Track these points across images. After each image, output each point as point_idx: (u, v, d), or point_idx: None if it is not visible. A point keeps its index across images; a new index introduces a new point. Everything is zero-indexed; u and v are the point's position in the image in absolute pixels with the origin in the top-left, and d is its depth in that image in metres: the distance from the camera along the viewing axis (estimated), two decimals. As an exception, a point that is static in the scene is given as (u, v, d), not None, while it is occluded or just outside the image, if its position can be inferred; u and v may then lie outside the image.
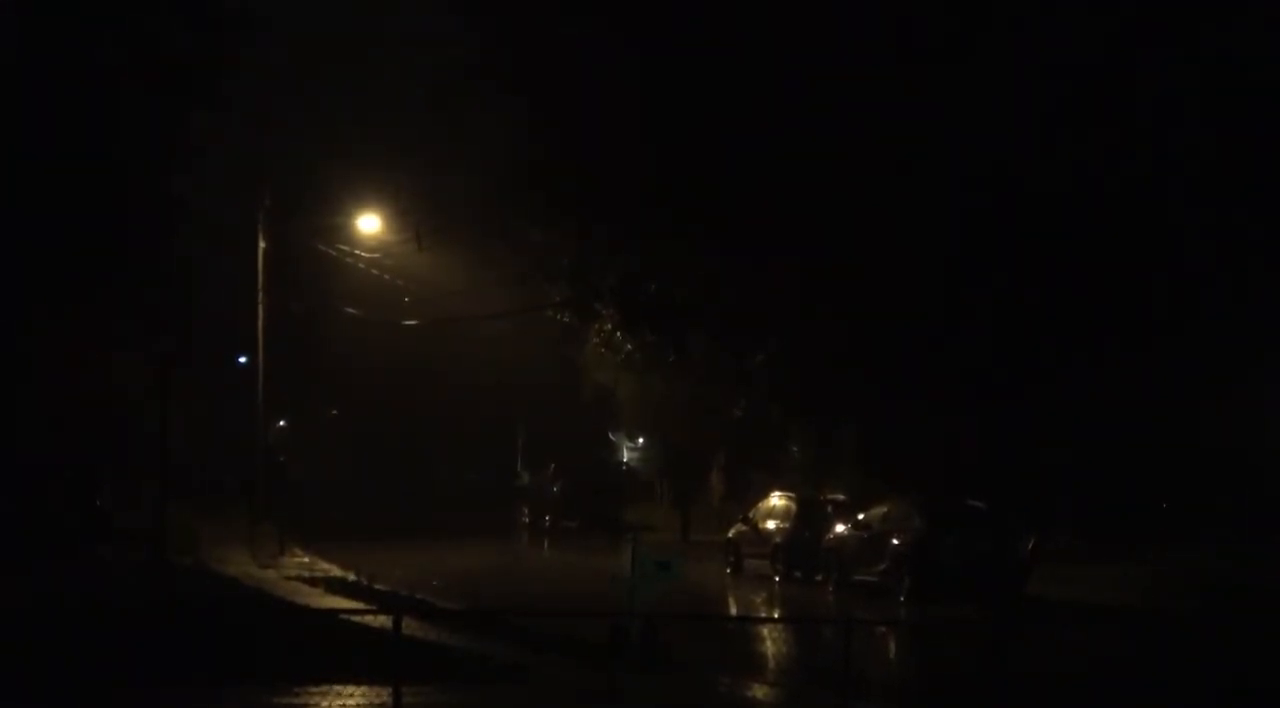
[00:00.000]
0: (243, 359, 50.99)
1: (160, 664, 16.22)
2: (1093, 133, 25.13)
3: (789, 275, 29.57)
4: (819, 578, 33.28)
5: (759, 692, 18.04)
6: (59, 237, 27.90)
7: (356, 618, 19.45)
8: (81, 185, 27.64)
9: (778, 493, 37.84)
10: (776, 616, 28.44)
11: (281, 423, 64.94)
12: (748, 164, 27.09)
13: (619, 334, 38.33)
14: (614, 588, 18.00)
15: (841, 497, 36.75)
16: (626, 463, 63.10)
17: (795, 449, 45.93)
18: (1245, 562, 32.33)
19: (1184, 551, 34.23)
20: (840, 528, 33.27)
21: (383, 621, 16.65)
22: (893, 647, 22.69)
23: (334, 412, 76.42)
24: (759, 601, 31.25)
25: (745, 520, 37.37)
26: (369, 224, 44.06)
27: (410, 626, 15.71)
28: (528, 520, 54.81)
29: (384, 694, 14.52)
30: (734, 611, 29.44)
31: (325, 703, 15.31)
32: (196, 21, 28.25)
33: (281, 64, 46.02)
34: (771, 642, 21.69)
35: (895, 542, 30.51)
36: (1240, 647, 22.45)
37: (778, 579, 34.60)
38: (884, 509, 31.94)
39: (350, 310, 48.73)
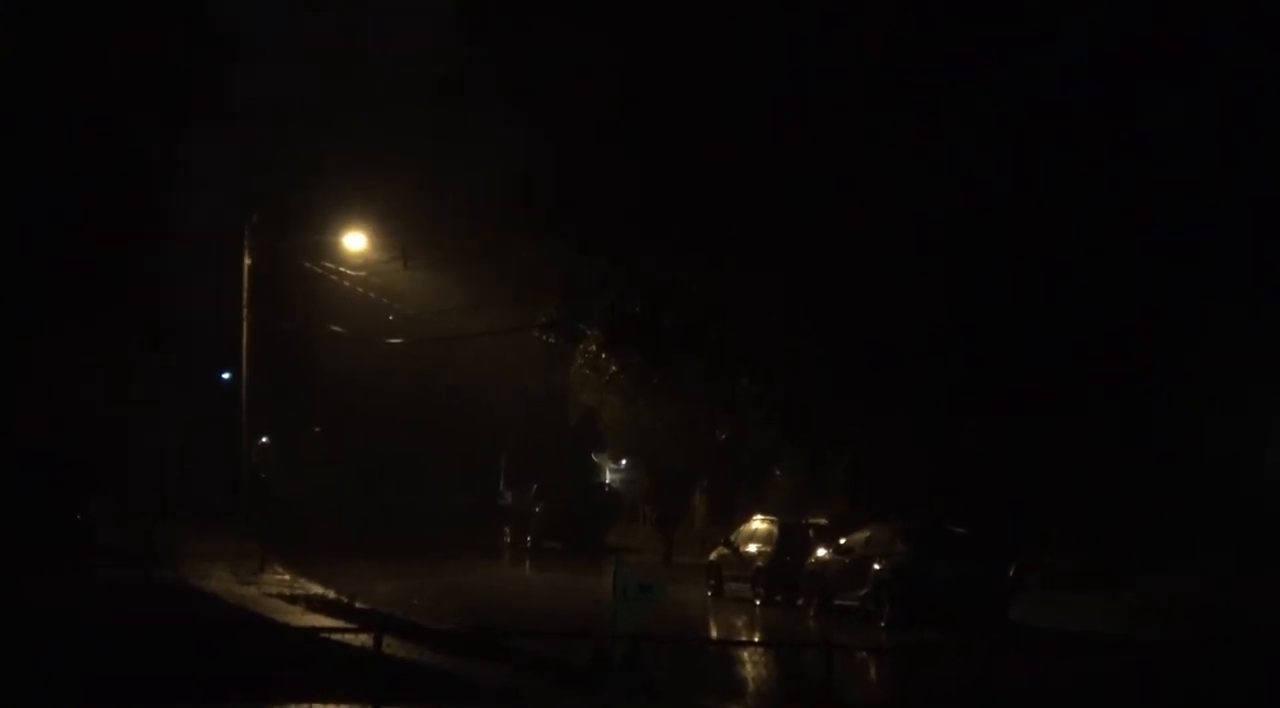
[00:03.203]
0: (226, 375, 50.92)
1: (138, 682, 16.15)
2: (1085, 152, 25.18)
3: (775, 299, 29.60)
4: (800, 602, 33.22)
5: (740, 716, 18.03)
6: (48, 256, 27.91)
7: (337, 637, 19.37)
8: (77, 199, 27.66)
9: (759, 516, 37.76)
10: (758, 640, 28.40)
11: (265, 439, 64.87)
12: (734, 186, 27.13)
13: (604, 355, 38.34)
14: (606, 613, 17.94)
15: (823, 520, 36.66)
16: (610, 485, 62.97)
17: (779, 473, 45.89)
18: (1233, 589, 32.33)
19: (1171, 578, 34.22)
20: (822, 552, 33.23)
21: (363, 639, 16.61)
22: (874, 672, 22.67)
23: (317, 429, 76.29)
24: (740, 624, 31.20)
25: (727, 544, 37.29)
26: (356, 242, 44.09)
27: (391, 645, 15.65)
28: (510, 541, 54.66)
29: (364, 714, 14.49)
30: (715, 634, 29.39)
31: (304, 722, 15.28)
32: (193, 40, 28.33)
33: (273, 82, 46.05)
34: (753, 666, 21.67)
35: (877, 567, 30.46)
36: (1224, 676, 22.46)
37: (759, 603, 34.53)
38: (866, 534, 31.89)
39: (335, 329, 48.72)
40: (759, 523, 36.96)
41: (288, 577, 34.48)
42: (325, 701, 15.84)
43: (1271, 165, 25.37)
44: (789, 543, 35.04)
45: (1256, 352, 29.42)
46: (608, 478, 64.45)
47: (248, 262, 42.52)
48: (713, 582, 37.07)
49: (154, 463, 32.04)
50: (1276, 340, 28.87)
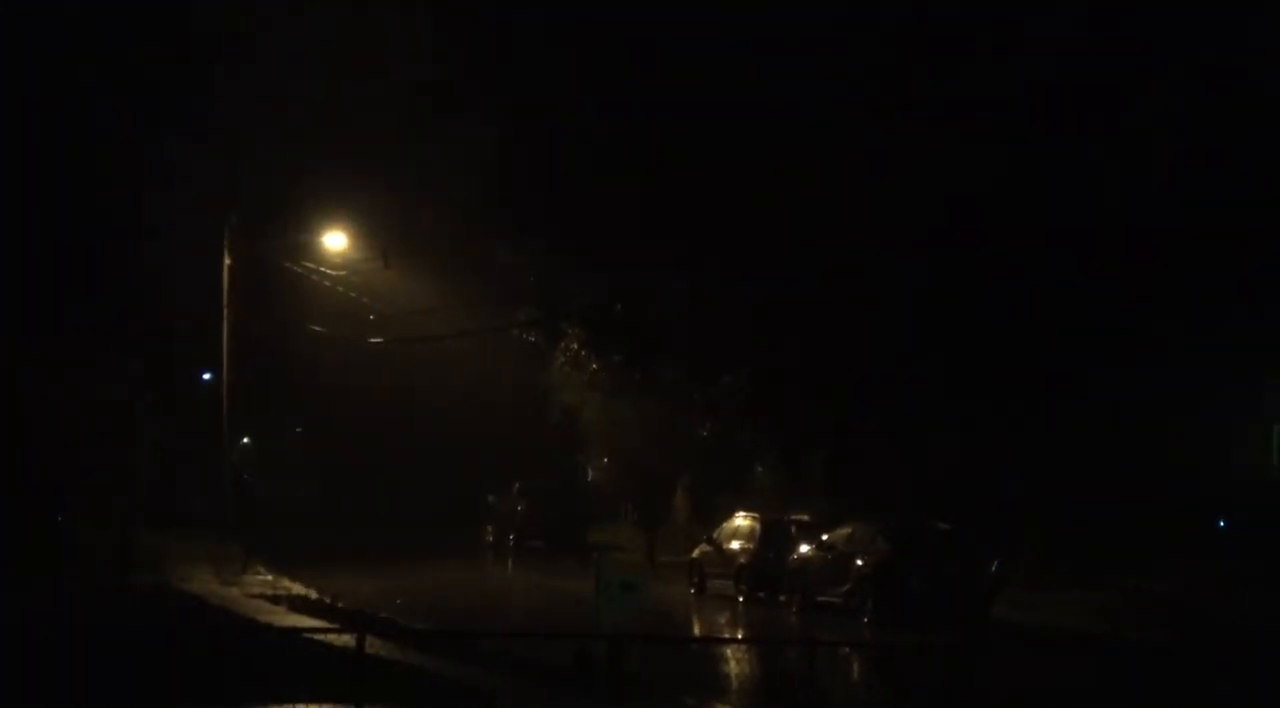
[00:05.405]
0: (207, 376, 50.81)
1: (121, 685, 16.12)
2: (1056, 163, 25.31)
3: (756, 301, 29.66)
4: (783, 599, 33.26)
5: (723, 714, 18.04)
6: (28, 254, 27.83)
7: (319, 637, 19.34)
8: (52, 205, 27.59)
9: (742, 513, 37.74)
10: (741, 637, 28.44)
11: (246, 440, 64.72)
12: (716, 188, 27.17)
13: (585, 354, 38.35)
14: (589, 612, 17.96)
15: (805, 517, 36.67)
16: (592, 483, 62.91)
17: (761, 470, 45.93)
18: (1208, 588, 32.51)
19: (1148, 576, 34.38)
20: (804, 549, 33.27)
21: (345, 640, 16.58)
22: (856, 669, 22.71)
23: (299, 429, 76.17)
24: (723, 622, 31.22)
25: (709, 541, 37.29)
26: (336, 242, 44.00)
27: (373, 645, 15.64)
28: (492, 540, 54.63)
29: (346, 715, 14.47)
30: (698, 632, 29.41)
31: (287, 724, 15.26)
32: (169, 43, 28.26)
33: (250, 81, 45.95)
34: (736, 663, 21.69)
35: (859, 563, 30.51)
36: (1199, 673, 22.57)
37: (741, 600, 34.55)
38: (848, 530, 31.93)
39: (316, 328, 48.62)
40: (741, 520, 36.96)
41: (270, 578, 34.45)
42: (308, 701, 15.82)
43: (1248, 173, 25.51)
44: (772, 540, 35.07)
45: (1225, 355, 29.63)
46: (589, 477, 64.42)
47: (227, 261, 42.46)
48: (696, 579, 37.09)
49: (134, 465, 32.01)
50: (1243, 344, 29.09)
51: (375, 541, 48.88)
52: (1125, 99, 25.03)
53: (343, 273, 45.25)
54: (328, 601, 29.03)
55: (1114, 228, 25.82)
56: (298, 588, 32.16)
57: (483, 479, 64.16)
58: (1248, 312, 27.94)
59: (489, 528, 55.71)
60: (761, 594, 34.39)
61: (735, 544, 36.04)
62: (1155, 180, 25.49)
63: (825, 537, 32.64)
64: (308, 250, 45.21)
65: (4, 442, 36.09)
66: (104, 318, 31.62)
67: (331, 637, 18.98)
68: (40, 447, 37.77)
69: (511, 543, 53.08)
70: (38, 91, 26.85)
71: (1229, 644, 25.61)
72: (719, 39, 26.18)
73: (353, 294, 45.88)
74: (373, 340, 48.47)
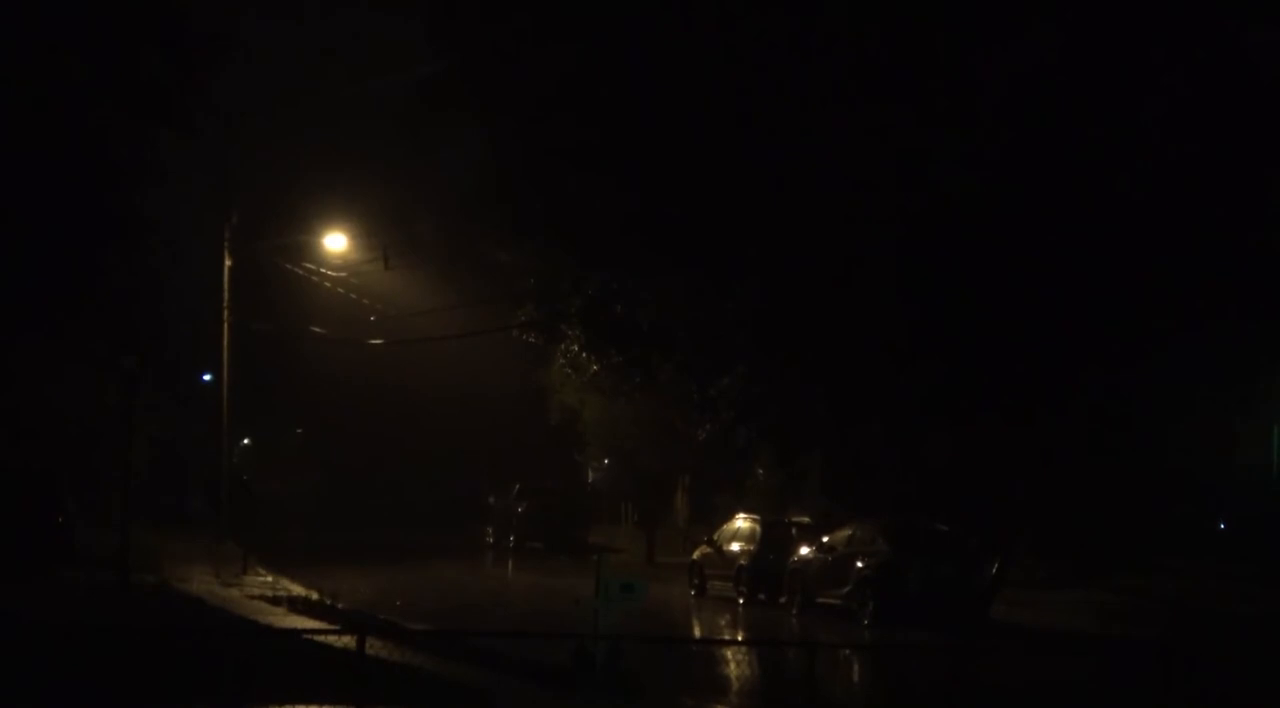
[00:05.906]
0: (207, 377, 50.87)
1: (120, 686, 16.12)
2: (1052, 158, 25.30)
3: (754, 301, 29.66)
4: (783, 600, 33.28)
5: (723, 715, 18.05)
6: (27, 254, 27.80)
7: (319, 638, 19.32)
8: (50, 203, 27.55)
9: (742, 515, 37.79)
10: (741, 638, 28.45)
11: (246, 441, 64.76)
12: (712, 189, 27.18)
13: (585, 355, 38.34)
14: (579, 612, 17.98)
15: (806, 519, 36.72)
16: (592, 484, 62.93)
17: (760, 472, 45.95)
18: (1208, 588, 32.51)
19: (1148, 576, 34.38)
20: (804, 550, 33.28)
21: (346, 641, 16.58)
22: (857, 670, 22.72)
23: (299, 430, 76.23)
24: (723, 623, 31.24)
25: (709, 542, 37.32)
26: (336, 243, 44.04)
27: (374, 646, 15.64)
28: (492, 541, 54.65)
29: (347, 716, 14.47)
30: (698, 633, 29.42)
31: (287, 724, 15.26)
32: (167, 42, 28.20)
33: (249, 83, 45.98)
34: (736, 665, 21.70)
35: (859, 565, 30.53)
36: (1198, 673, 22.53)
37: (741, 601, 34.57)
38: (848, 532, 31.96)
39: (315, 330, 48.66)
40: (742, 522, 36.99)
41: (270, 578, 34.46)
42: (308, 702, 15.82)
43: (1247, 171, 25.51)
44: (772, 542, 35.08)
45: (1225, 355, 29.63)
46: (589, 478, 64.43)
47: (228, 262, 42.51)
48: (696, 581, 37.11)
49: (133, 465, 32.04)
50: (1243, 344, 29.09)
51: (375, 540, 48.90)
52: (1124, 97, 25.02)
53: (343, 274, 45.31)
54: (328, 601, 29.03)
55: (1113, 226, 25.79)
56: (297, 589, 32.16)
57: (483, 479, 64.20)
58: (1247, 311, 27.94)
59: (489, 528, 55.73)
60: (762, 596, 34.41)
61: (735, 546, 36.06)
62: (1154, 178, 25.47)
63: (825, 538, 32.67)
64: (308, 251, 45.27)
65: (4, 442, 36.08)
66: (104, 317, 31.57)
67: (331, 638, 18.98)
68: (40, 447, 37.77)
69: (511, 544, 53.10)
70: (38, 90, 26.83)
71: (1229, 644, 25.59)
72: (717, 38, 26.17)
73: (353, 295, 45.93)
74: (373, 342, 48.51)
